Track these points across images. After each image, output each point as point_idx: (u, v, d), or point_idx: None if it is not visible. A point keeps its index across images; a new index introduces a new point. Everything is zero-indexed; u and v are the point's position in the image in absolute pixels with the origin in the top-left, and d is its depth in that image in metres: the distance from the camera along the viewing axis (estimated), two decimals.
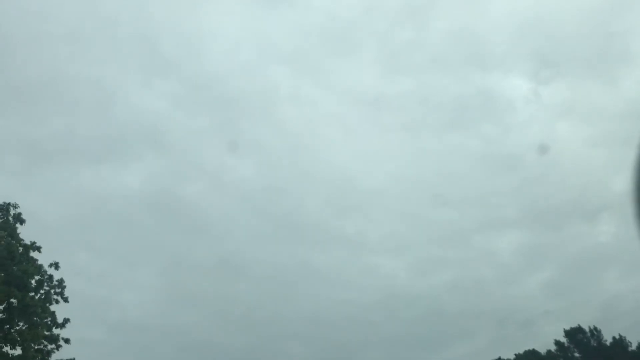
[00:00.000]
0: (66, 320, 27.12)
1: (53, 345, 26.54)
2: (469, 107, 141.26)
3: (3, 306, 25.21)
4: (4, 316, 25.25)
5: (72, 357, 27.36)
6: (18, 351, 25.22)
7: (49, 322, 26.61)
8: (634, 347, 61.81)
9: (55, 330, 26.81)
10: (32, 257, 26.92)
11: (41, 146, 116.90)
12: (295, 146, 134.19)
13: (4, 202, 27.37)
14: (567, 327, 66.00)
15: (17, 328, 25.41)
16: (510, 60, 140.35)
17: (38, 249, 27.17)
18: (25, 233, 27.50)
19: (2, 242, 25.53)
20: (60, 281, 27.65)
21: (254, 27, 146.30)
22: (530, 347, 69.04)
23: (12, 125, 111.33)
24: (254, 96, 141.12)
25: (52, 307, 27.09)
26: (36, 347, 25.85)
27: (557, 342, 66.06)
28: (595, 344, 63.63)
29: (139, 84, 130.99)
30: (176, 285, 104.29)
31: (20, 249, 26.55)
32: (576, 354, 64.61)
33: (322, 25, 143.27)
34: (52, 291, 27.28)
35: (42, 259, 27.61)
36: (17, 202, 27.54)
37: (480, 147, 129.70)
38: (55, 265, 27.60)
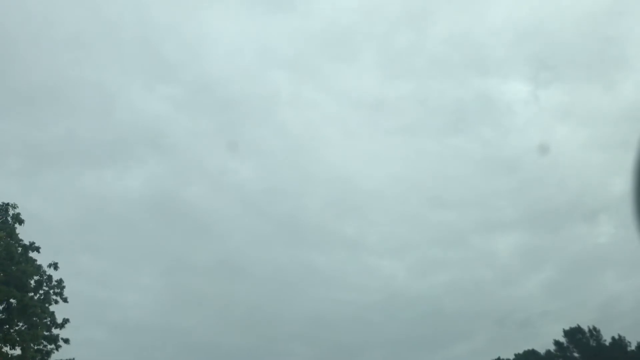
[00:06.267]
0: (65, 321, 27.21)
1: (52, 346, 26.64)
2: (468, 110, 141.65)
3: (2, 306, 25.30)
4: (3, 316, 25.33)
5: (72, 357, 27.53)
6: (17, 351, 25.31)
7: (49, 323, 26.70)
8: (633, 347, 61.76)
9: (55, 331, 26.95)
10: (31, 258, 26.99)
11: (44, 149, 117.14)
12: (295, 148, 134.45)
13: (3, 203, 27.44)
14: (567, 327, 66.00)
15: (17, 328, 25.48)
16: (509, 64, 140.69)
17: (37, 249, 27.26)
18: (28, 235, 27.64)
19: (1, 243, 25.56)
20: (60, 281, 27.72)
21: (255, 31, 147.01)
22: (530, 347, 69.17)
23: (15, 128, 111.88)
24: (255, 99, 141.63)
25: (52, 308, 27.23)
26: (35, 347, 25.93)
27: (556, 342, 66.08)
28: (594, 344, 63.61)
29: (141, 88, 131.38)
30: (177, 286, 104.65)
31: (19, 249, 26.64)
32: (575, 354, 64.58)
33: (323, 30, 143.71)
34: (52, 291, 27.37)
35: (44, 259, 27.78)
36: (16, 203, 27.66)
37: (479, 149, 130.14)
38: (55, 266, 27.68)
